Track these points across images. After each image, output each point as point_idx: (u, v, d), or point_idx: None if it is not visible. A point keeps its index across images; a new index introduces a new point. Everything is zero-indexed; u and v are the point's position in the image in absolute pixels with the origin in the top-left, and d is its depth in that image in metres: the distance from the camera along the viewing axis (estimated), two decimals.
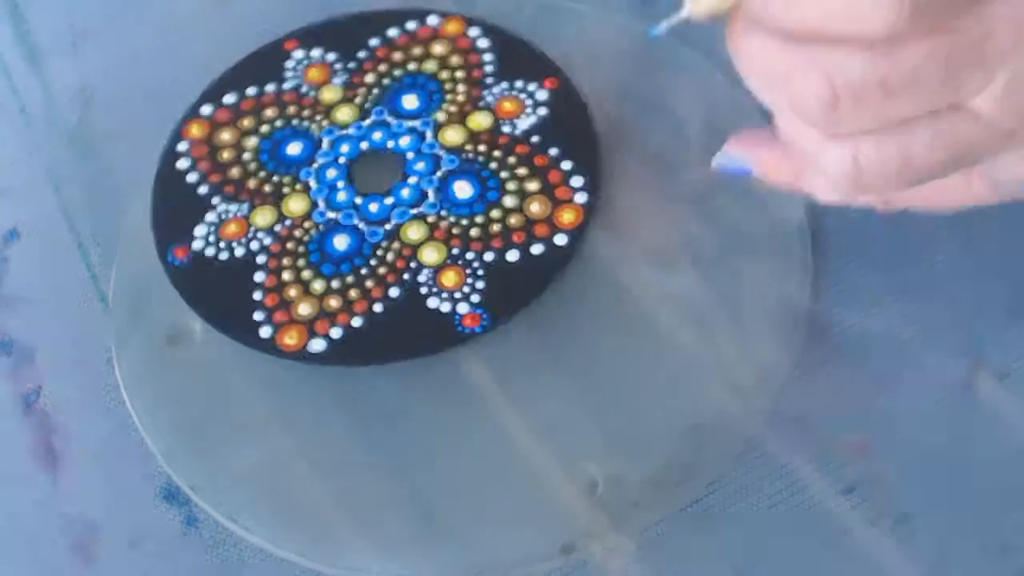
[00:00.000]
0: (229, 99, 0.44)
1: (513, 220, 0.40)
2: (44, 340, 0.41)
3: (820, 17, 0.28)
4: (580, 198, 0.40)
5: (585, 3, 0.46)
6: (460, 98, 0.43)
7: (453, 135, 0.42)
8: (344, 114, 0.43)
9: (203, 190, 0.42)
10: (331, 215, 0.41)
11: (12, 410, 0.39)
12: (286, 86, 0.44)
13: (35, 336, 0.41)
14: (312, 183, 0.41)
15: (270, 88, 0.44)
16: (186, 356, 0.39)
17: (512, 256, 0.39)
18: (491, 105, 0.42)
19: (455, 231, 0.40)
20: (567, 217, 0.40)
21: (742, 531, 0.36)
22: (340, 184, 0.41)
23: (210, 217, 0.41)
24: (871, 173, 0.31)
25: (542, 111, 0.42)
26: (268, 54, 0.45)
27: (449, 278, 0.39)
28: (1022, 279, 0.40)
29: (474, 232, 0.40)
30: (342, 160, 0.42)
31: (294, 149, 0.42)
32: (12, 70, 0.47)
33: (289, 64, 0.44)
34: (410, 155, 0.41)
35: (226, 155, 0.42)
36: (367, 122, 0.43)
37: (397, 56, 0.44)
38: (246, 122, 0.43)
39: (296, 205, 0.41)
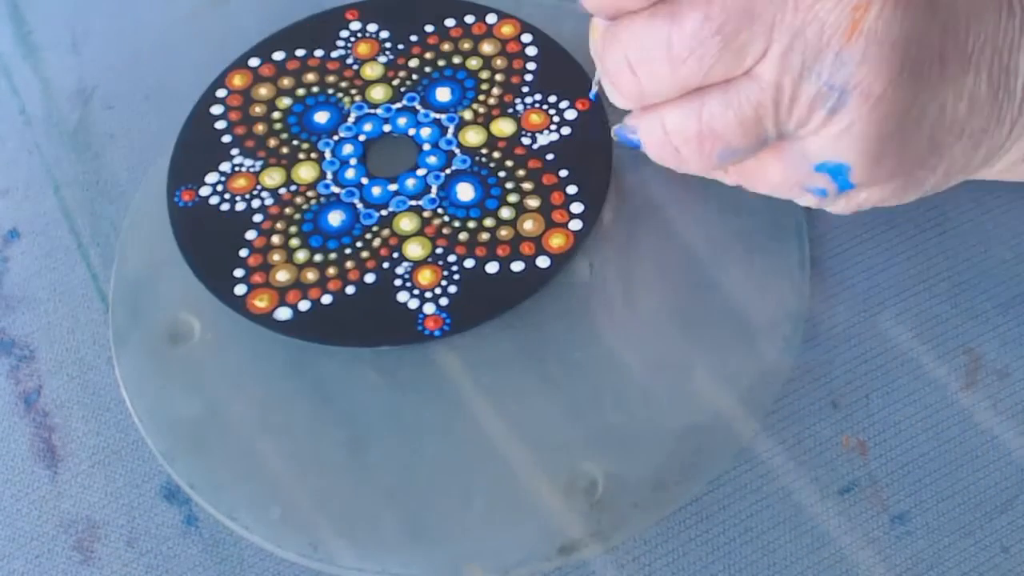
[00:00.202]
0: (277, 55, 0.44)
1: (503, 232, 0.39)
2: (44, 340, 0.41)
3: None
4: (575, 225, 0.39)
5: None
6: (491, 100, 0.42)
7: (473, 136, 0.41)
8: (378, 93, 0.43)
9: (226, 139, 0.42)
10: (335, 189, 0.41)
11: (12, 410, 0.39)
12: (334, 54, 0.44)
13: (35, 336, 0.41)
14: (328, 154, 0.41)
15: (318, 53, 0.44)
16: (186, 356, 0.39)
17: (491, 268, 0.39)
18: (519, 113, 0.42)
19: (445, 231, 0.39)
20: (556, 241, 0.39)
21: (741, 531, 0.36)
22: (353, 161, 0.41)
23: (224, 167, 0.41)
24: (679, 139, 0.35)
25: (565, 130, 0.41)
26: (328, 20, 0.45)
27: (425, 276, 0.39)
28: (1021, 280, 0.40)
29: (462, 236, 0.39)
30: (362, 138, 0.42)
31: (321, 117, 0.42)
32: (12, 70, 0.47)
33: (344, 34, 0.44)
34: (426, 146, 0.41)
35: (258, 110, 0.43)
36: (397, 105, 0.42)
37: (446, 46, 0.44)
38: (286, 81, 0.43)
39: (306, 172, 0.41)
